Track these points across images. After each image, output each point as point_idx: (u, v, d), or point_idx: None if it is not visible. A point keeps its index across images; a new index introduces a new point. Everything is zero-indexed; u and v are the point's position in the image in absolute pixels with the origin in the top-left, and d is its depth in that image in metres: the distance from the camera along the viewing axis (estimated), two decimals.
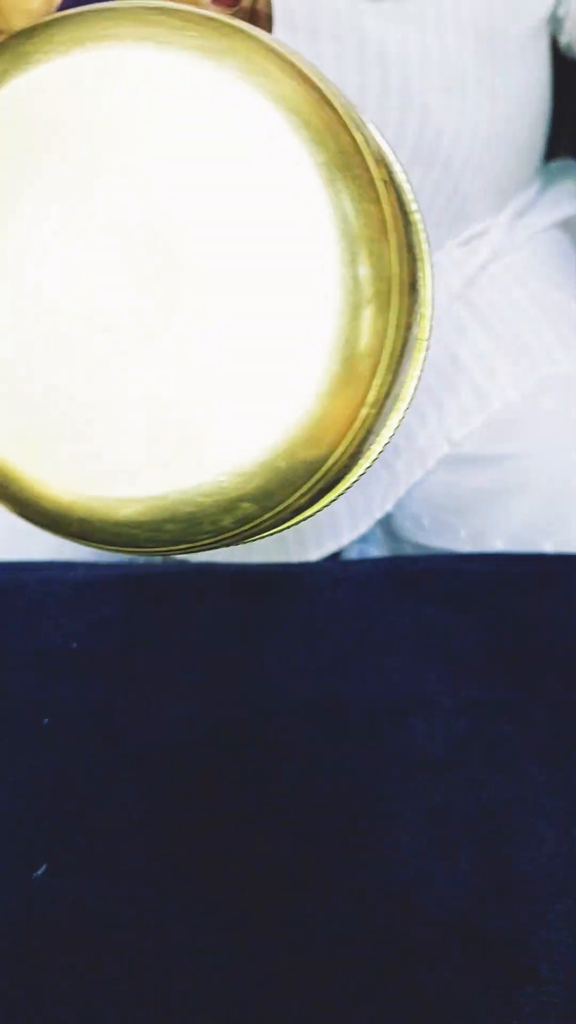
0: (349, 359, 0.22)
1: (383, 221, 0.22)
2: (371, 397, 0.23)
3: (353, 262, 0.22)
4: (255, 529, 0.24)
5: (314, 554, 0.60)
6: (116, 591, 0.49)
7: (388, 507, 0.58)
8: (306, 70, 0.22)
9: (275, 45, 0.22)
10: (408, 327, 0.23)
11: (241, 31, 0.22)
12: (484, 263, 0.58)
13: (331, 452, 0.23)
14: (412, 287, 0.23)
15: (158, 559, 0.59)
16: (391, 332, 0.23)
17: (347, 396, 0.23)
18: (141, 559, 0.61)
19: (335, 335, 0.22)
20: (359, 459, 0.24)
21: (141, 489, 0.23)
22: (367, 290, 0.22)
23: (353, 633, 0.47)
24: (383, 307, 0.22)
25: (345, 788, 0.40)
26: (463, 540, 0.57)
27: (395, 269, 0.22)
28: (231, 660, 0.45)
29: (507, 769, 0.40)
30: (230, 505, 0.23)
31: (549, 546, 0.55)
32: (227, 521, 0.23)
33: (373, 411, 0.23)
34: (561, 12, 0.57)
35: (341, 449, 0.23)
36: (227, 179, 0.22)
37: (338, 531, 0.59)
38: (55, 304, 0.22)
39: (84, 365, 0.23)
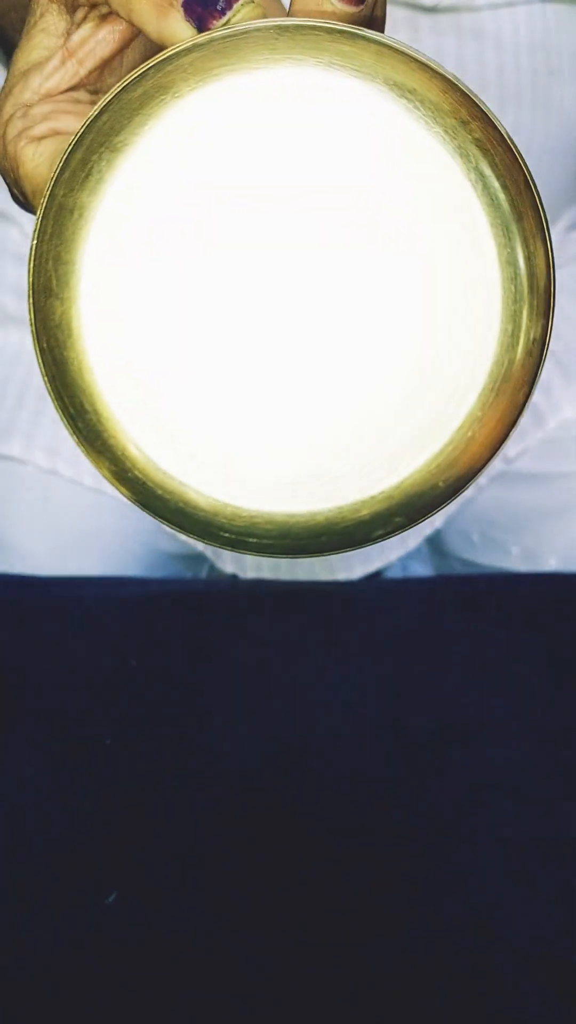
0: (510, 364, 0.23)
1: (533, 205, 0.23)
2: (525, 404, 0.23)
3: (507, 276, 0.22)
4: (391, 536, 0.24)
5: (359, 570, 0.60)
6: (172, 608, 0.49)
7: (437, 523, 0.58)
8: (440, 70, 0.23)
9: (415, 54, 0.23)
10: (549, 325, 0.23)
11: (375, 40, 0.22)
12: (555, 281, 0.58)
13: (485, 465, 0.24)
14: (550, 291, 0.23)
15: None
16: (542, 330, 0.23)
17: (508, 404, 0.23)
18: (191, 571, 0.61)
19: (498, 337, 0.23)
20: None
21: (305, 504, 0.23)
22: (523, 284, 0.22)
23: (414, 653, 0.46)
24: (538, 303, 0.23)
25: (414, 812, 0.40)
26: (514, 557, 0.57)
27: (541, 261, 0.23)
28: (291, 680, 0.45)
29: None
30: (385, 520, 0.24)
31: None
32: (378, 533, 0.24)
33: (519, 420, 0.23)
34: None
35: (491, 462, 0.24)
36: (377, 192, 0.22)
37: (385, 548, 0.59)
38: (228, 324, 0.23)
39: (257, 390, 0.23)
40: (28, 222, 0.55)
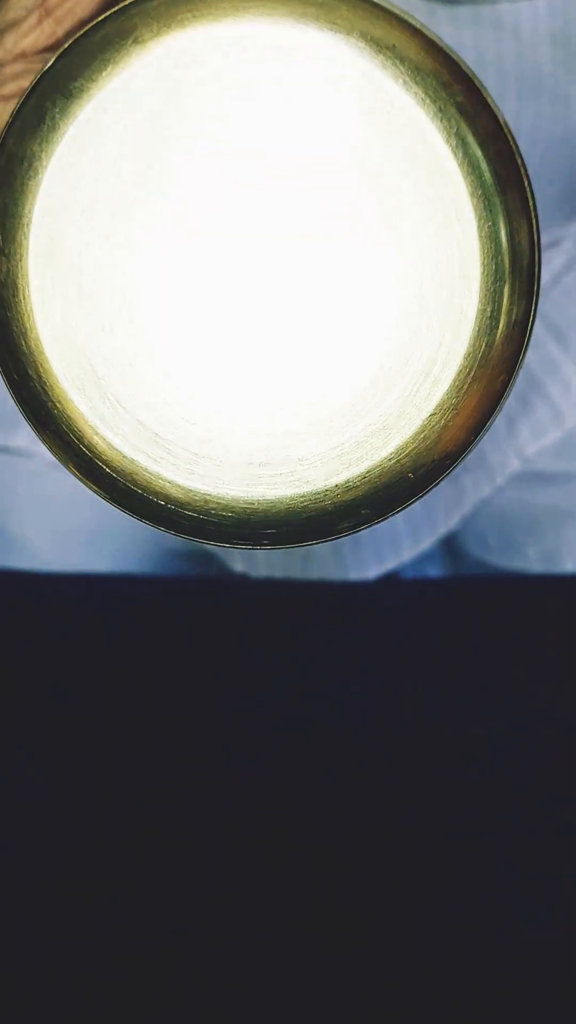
0: (489, 346, 0.21)
1: (517, 177, 0.21)
2: (504, 391, 0.22)
3: (490, 251, 0.21)
4: (358, 530, 0.23)
5: (373, 571, 0.59)
6: (180, 607, 0.48)
7: (453, 524, 0.57)
8: (421, 27, 0.21)
9: (394, 8, 0.21)
10: (532, 307, 0.22)
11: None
12: (557, 275, 0.57)
13: (461, 456, 0.22)
14: (534, 271, 0.22)
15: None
16: (524, 311, 0.21)
17: (485, 390, 0.22)
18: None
19: (475, 317, 0.21)
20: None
21: (264, 491, 0.22)
22: (505, 260, 0.21)
23: (427, 656, 0.46)
24: (520, 282, 0.21)
25: (429, 821, 0.39)
26: (531, 560, 0.56)
27: (524, 237, 0.21)
28: (301, 681, 0.45)
29: None
30: (351, 511, 0.22)
31: None
32: (343, 525, 0.22)
33: (497, 410, 0.22)
34: None
35: (466, 454, 0.22)
36: (350, 156, 0.21)
37: (398, 547, 0.58)
38: (194, 302, 0.22)
39: (220, 369, 0.22)
40: None
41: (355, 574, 0.59)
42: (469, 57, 0.52)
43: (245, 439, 0.22)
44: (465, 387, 0.22)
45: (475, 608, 0.49)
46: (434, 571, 0.63)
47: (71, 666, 0.46)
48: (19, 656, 0.46)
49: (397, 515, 0.62)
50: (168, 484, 0.22)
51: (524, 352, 0.22)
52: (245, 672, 0.45)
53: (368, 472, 0.22)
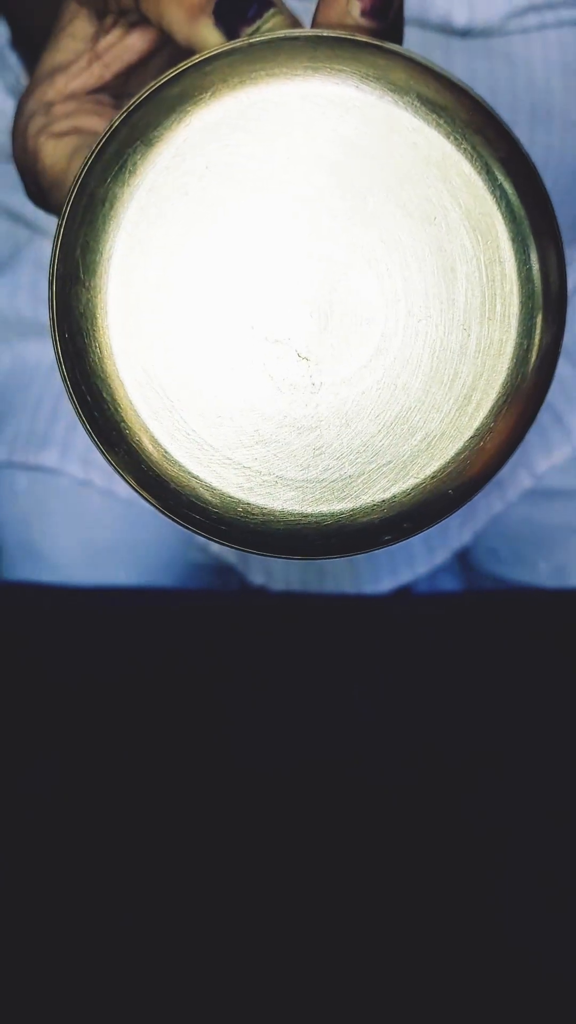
0: (523, 376, 0.23)
1: (550, 223, 0.23)
2: (535, 415, 0.23)
3: (523, 290, 0.23)
4: (399, 542, 0.25)
5: (387, 584, 0.60)
6: (200, 618, 0.49)
7: (466, 539, 0.58)
8: (468, 90, 0.24)
9: (446, 73, 0.24)
10: (560, 339, 0.24)
11: (396, 54, 0.23)
12: (568, 294, 0.58)
13: (494, 474, 0.24)
14: (563, 296, 0.24)
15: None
16: (552, 343, 0.23)
17: (519, 415, 0.24)
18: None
19: (513, 349, 0.23)
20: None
21: (318, 507, 0.24)
22: (538, 298, 0.23)
23: (442, 670, 0.46)
24: (551, 317, 0.23)
25: (446, 839, 0.40)
26: (542, 574, 0.57)
27: (555, 276, 0.23)
28: (318, 692, 0.45)
29: None
30: (394, 526, 0.24)
31: None
32: (386, 538, 0.24)
33: (528, 431, 0.24)
34: None
35: (501, 469, 0.24)
36: (404, 203, 0.23)
37: (413, 561, 0.60)
38: (246, 326, 0.23)
39: (275, 389, 0.24)
40: None
41: (370, 587, 0.60)
42: (482, 87, 0.53)
43: (304, 458, 0.24)
44: (502, 412, 0.23)
45: (487, 621, 0.50)
46: (448, 585, 0.64)
47: (97, 675, 0.47)
48: (44, 666, 0.47)
49: None
50: (231, 500, 0.24)
51: (551, 378, 0.24)
52: (263, 680, 0.46)
53: (413, 489, 0.24)
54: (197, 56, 0.24)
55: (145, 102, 0.23)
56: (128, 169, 0.23)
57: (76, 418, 0.25)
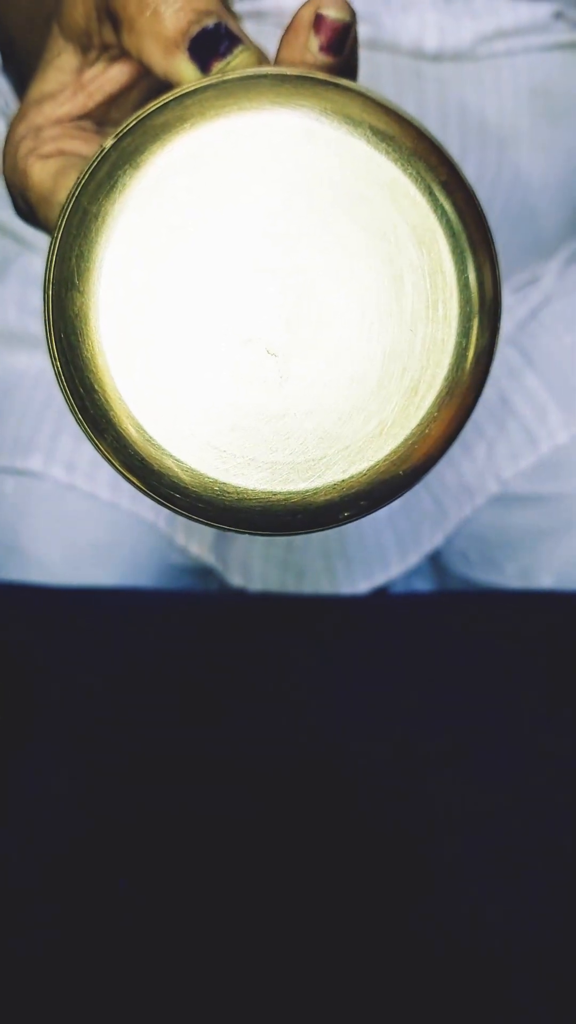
0: (463, 371, 0.26)
1: (485, 238, 0.27)
2: (473, 406, 0.27)
3: (463, 296, 0.26)
4: (356, 519, 0.28)
5: (363, 585, 0.62)
6: (183, 619, 0.51)
7: (437, 542, 0.60)
8: (414, 121, 0.27)
9: (395, 107, 0.27)
10: (495, 339, 0.27)
11: (352, 90, 0.26)
12: (535, 309, 0.60)
13: (439, 458, 0.27)
14: (497, 311, 0.27)
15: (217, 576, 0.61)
16: (488, 343, 0.27)
17: (459, 406, 0.27)
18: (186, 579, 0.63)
19: (454, 348, 0.26)
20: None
21: (286, 487, 0.27)
22: (475, 303, 0.26)
23: (413, 667, 0.48)
24: (487, 320, 0.26)
25: (418, 824, 0.42)
26: (510, 576, 0.59)
27: (490, 284, 0.26)
28: (295, 690, 0.47)
29: (573, 801, 0.42)
30: (351, 503, 0.27)
31: None
32: (344, 515, 0.27)
33: (468, 420, 0.27)
34: None
35: (445, 455, 0.27)
36: (359, 220, 0.26)
37: (387, 564, 0.61)
38: (225, 329, 0.26)
39: (248, 382, 0.26)
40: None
41: (347, 589, 0.62)
42: (453, 110, 0.55)
43: (274, 443, 0.27)
44: (445, 402, 0.26)
45: (458, 620, 0.51)
46: (421, 587, 0.66)
47: (81, 674, 0.48)
48: (33, 664, 0.48)
49: (386, 535, 0.65)
50: (209, 480, 0.27)
51: (487, 374, 0.27)
52: (243, 679, 0.48)
53: (368, 470, 0.27)
54: (178, 90, 0.27)
55: (133, 130, 0.26)
56: (118, 188, 0.26)
57: (67, 411, 0.27)
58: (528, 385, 0.58)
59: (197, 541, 0.59)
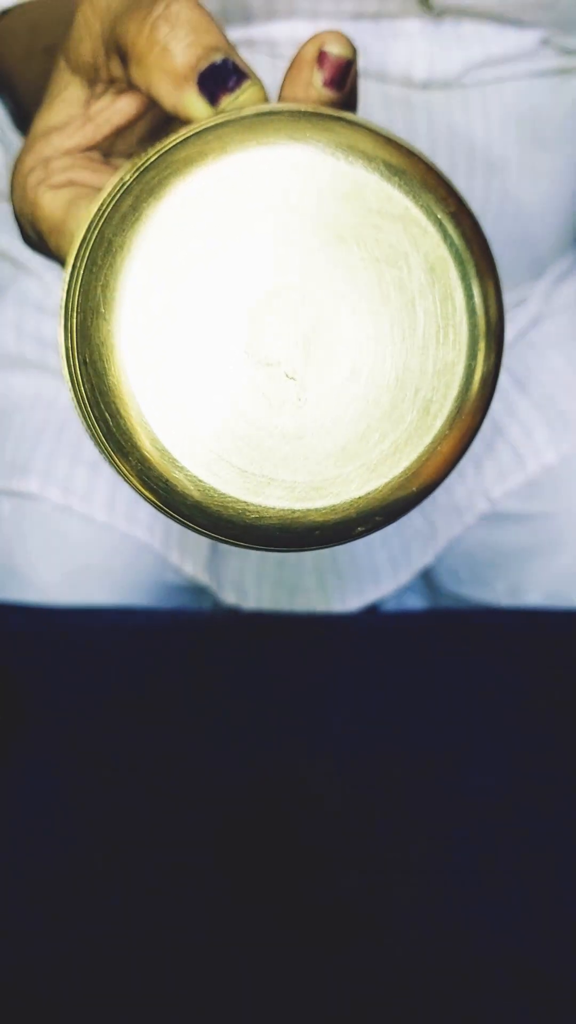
0: (471, 391, 0.28)
1: (490, 266, 0.28)
2: (480, 425, 0.28)
3: (471, 320, 0.27)
4: (370, 534, 0.29)
5: (355, 603, 0.62)
6: (177, 637, 0.52)
7: (428, 560, 0.61)
8: (424, 157, 0.28)
9: (405, 143, 0.28)
10: (499, 361, 0.28)
11: (357, 124, 0.28)
12: (523, 331, 0.61)
13: (448, 474, 0.28)
14: (501, 326, 0.28)
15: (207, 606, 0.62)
16: (494, 365, 0.28)
17: (468, 425, 0.28)
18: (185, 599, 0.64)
19: (463, 369, 0.28)
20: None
21: (305, 504, 0.28)
22: (482, 327, 0.27)
23: (403, 683, 0.49)
24: (492, 343, 0.28)
25: (402, 832, 0.43)
26: (499, 593, 0.59)
27: (494, 309, 0.28)
28: (291, 707, 0.48)
29: (555, 814, 0.43)
30: (367, 519, 0.28)
31: None
32: (359, 530, 0.28)
33: (475, 438, 0.28)
34: None
35: (454, 472, 0.28)
36: (372, 249, 0.27)
37: (379, 581, 0.62)
38: (245, 353, 0.27)
39: (268, 404, 0.28)
40: (45, 271, 0.59)
41: (339, 606, 0.62)
42: (441, 136, 0.56)
43: (293, 462, 0.28)
44: (455, 421, 0.28)
45: (449, 637, 0.52)
46: (413, 605, 0.67)
47: (76, 692, 0.49)
48: (28, 681, 0.49)
49: (378, 553, 0.65)
50: (230, 499, 0.28)
51: (492, 396, 0.29)
52: (237, 695, 0.49)
53: (384, 487, 0.28)
54: (197, 125, 0.28)
55: (155, 163, 0.27)
56: (142, 220, 0.27)
57: (85, 435, 0.28)
58: (516, 405, 0.59)
59: (191, 560, 0.59)
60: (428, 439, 0.27)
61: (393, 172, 0.27)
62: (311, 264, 0.27)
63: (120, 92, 0.32)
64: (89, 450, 0.57)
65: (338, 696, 0.48)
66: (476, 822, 0.43)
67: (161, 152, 0.27)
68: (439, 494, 0.61)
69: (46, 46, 0.35)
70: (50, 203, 0.31)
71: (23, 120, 0.41)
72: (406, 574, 0.62)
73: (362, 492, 0.28)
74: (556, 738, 0.46)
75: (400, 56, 0.53)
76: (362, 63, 0.53)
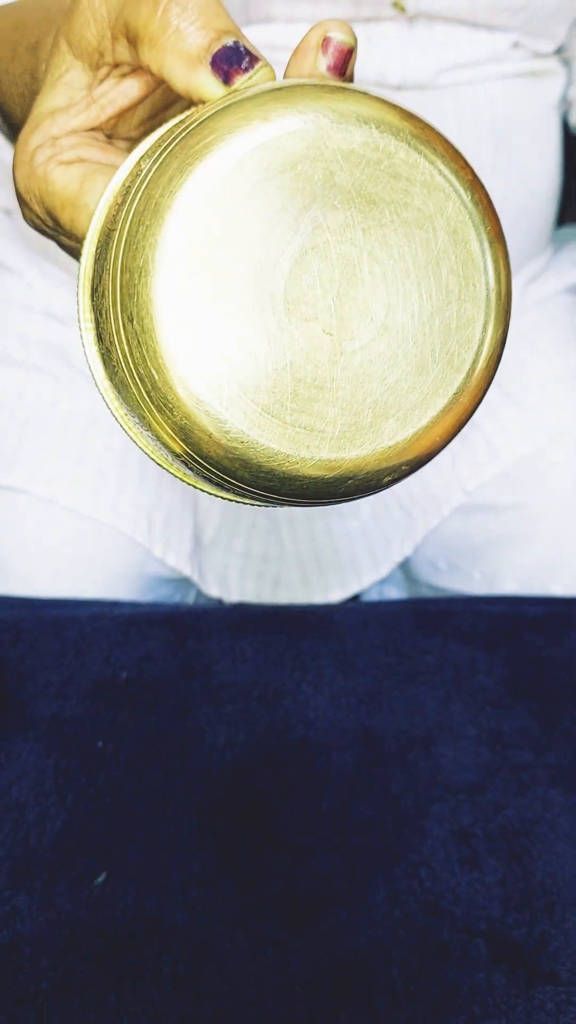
0: (488, 344, 0.29)
1: (500, 230, 0.29)
2: (493, 377, 0.30)
3: (488, 279, 0.29)
4: (394, 483, 0.30)
5: (337, 594, 0.63)
6: (160, 628, 0.52)
7: (407, 551, 0.62)
8: (442, 133, 0.29)
9: (428, 121, 0.29)
10: (509, 318, 0.30)
11: (374, 97, 0.29)
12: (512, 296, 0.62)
13: (466, 423, 0.30)
14: (510, 285, 0.30)
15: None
16: (506, 320, 0.30)
17: (484, 377, 0.30)
18: (171, 597, 0.64)
19: (482, 325, 0.29)
20: None
21: (340, 453, 0.29)
22: (495, 286, 0.29)
23: (382, 668, 0.50)
24: (504, 301, 0.29)
25: (381, 810, 0.44)
26: (476, 582, 0.61)
27: (504, 271, 0.29)
28: (272, 692, 0.49)
29: (527, 793, 0.44)
30: (395, 468, 0.29)
31: (558, 588, 0.58)
32: (387, 479, 0.30)
33: (489, 389, 0.30)
34: (572, 94, 0.62)
35: (461, 428, 0.30)
36: (401, 213, 0.29)
37: (360, 573, 0.63)
38: (292, 309, 0.28)
39: (306, 358, 0.29)
40: (28, 268, 0.60)
41: (321, 599, 0.63)
42: None
43: (330, 414, 0.29)
44: (473, 374, 0.29)
45: (425, 625, 0.53)
46: (393, 594, 0.68)
47: (61, 680, 0.49)
48: (14, 671, 0.50)
49: (359, 546, 0.66)
50: (275, 453, 0.29)
51: (504, 347, 0.30)
52: (220, 682, 0.49)
53: (413, 436, 0.29)
54: (233, 95, 0.29)
55: (197, 128, 0.28)
56: (190, 182, 0.28)
57: (118, 397, 0.29)
58: (490, 398, 0.60)
59: (174, 553, 0.60)
60: (452, 390, 0.29)
61: (420, 142, 0.29)
62: (345, 226, 0.28)
63: (123, 75, 0.32)
64: (74, 444, 0.58)
65: (328, 681, 0.49)
66: (453, 799, 0.44)
67: (202, 119, 0.28)
68: (416, 487, 0.62)
69: (31, 44, 0.36)
70: (62, 177, 0.32)
71: (7, 117, 0.41)
72: (386, 566, 0.63)
73: (393, 442, 0.29)
74: (529, 719, 0.48)
75: (374, 59, 0.54)
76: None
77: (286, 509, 0.61)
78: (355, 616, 0.54)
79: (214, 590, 0.62)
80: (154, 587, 0.61)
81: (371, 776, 0.45)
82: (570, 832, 0.42)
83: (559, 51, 0.61)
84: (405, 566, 0.65)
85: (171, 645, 0.51)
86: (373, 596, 0.67)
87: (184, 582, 0.63)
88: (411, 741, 0.46)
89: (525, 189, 0.61)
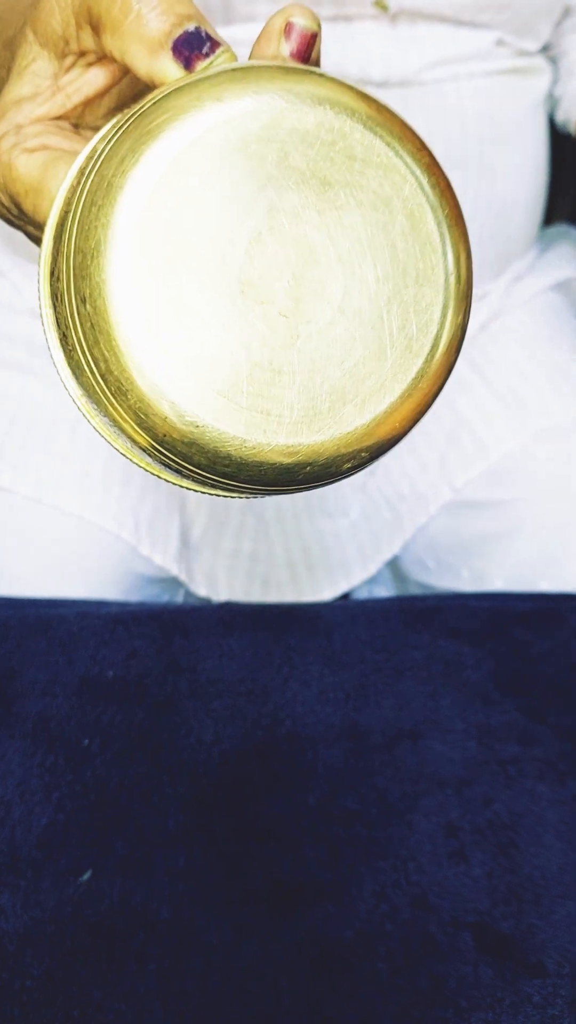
0: (448, 329, 0.29)
1: (459, 215, 0.29)
2: (454, 363, 0.30)
3: (447, 262, 0.29)
4: (354, 472, 0.30)
5: (326, 594, 0.63)
6: (147, 625, 0.52)
7: (395, 549, 0.62)
8: (390, 108, 0.29)
9: (385, 103, 0.29)
10: (470, 303, 0.30)
11: (335, 80, 0.29)
12: (483, 323, 0.62)
13: (427, 410, 0.30)
14: (470, 270, 0.30)
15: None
16: (466, 306, 0.29)
17: (444, 362, 0.29)
18: (163, 596, 0.64)
19: (440, 309, 0.29)
20: None
21: (298, 439, 0.28)
22: (454, 270, 0.29)
23: (370, 664, 0.50)
24: (464, 286, 0.29)
25: (367, 803, 0.43)
26: (465, 580, 0.61)
27: (464, 256, 0.29)
28: (260, 688, 0.49)
29: (515, 786, 0.44)
30: (354, 455, 0.29)
31: (545, 585, 0.58)
32: (347, 467, 0.29)
33: (450, 375, 0.30)
34: (557, 92, 0.62)
35: (427, 412, 0.30)
36: (357, 194, 0.28)
37: (349, 572, 0.63)
38: (250, 295, 0.28)
39: (262, 342, 0.28)
40: (11, 269, 0.60)
41: (310, 597, 0.63)
42: None
43: (287, 399, 0.28)
44: (433, 360, 0.29)
45: (413, 621, 0.53)
46: (382, 593, 0.68)
47: (48, 679, 0.49)
48: (1, 670, 0.49)
49: (348, 545, 0.66)
50: (231, 438, 0.28)
51: (465, 332, 0.30)
52: (208, 680, 0.49)
53: (371, 422, 0.29)
54: (194, 75, 0.29)
55: (151, 109, 0.28)
56: (141, 162, 0.27)
57: (74, 378, 0.29)
58: (476, 395, 0.60)
59: (161, 551, 0.60)
60: (410, 376, 0.29)
61: (375, 123, 0.28)
62: (300, 207, 0.28)
63: (89, 64, 0.33)
64: (60, 443, 0.58)
65: (316, 677, 0.49)
66: (440, 793, 0.44)
67: (156, 99, 0.28)
68: (404, 484, 0.62)
69: (7, 40, 0.37)
70: (26, 164, 0.32)
71: None
72: (375, 564, 0.63)
73: (351, 428, 0.29)
74: (517, 713, 0.47)
75: (356, 57, 0.54)
76: (322, 64, 0.54)
77: (274, 508, 0.61)
78: (343, 613, 0.54)
79: (203, 590, 0.62)
80: (142, 587, 0.61)
81: (358, 770, 0.45)
82: (557, 825, 0.42)
83: (544, 49, 0.61)
84: (394, 564, 0.65)
85: (158, 642, 0.51)
86: (363, 595, 0.67)
87: (172, 582, 0.63)
88: (399, 735, 0.46)
89: (512, 185, 0.61)
